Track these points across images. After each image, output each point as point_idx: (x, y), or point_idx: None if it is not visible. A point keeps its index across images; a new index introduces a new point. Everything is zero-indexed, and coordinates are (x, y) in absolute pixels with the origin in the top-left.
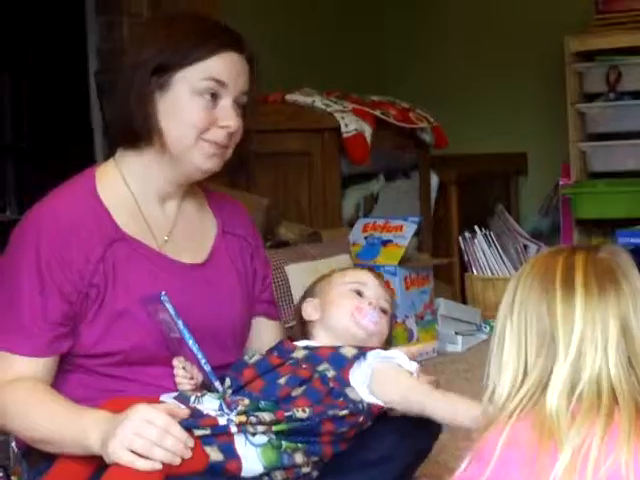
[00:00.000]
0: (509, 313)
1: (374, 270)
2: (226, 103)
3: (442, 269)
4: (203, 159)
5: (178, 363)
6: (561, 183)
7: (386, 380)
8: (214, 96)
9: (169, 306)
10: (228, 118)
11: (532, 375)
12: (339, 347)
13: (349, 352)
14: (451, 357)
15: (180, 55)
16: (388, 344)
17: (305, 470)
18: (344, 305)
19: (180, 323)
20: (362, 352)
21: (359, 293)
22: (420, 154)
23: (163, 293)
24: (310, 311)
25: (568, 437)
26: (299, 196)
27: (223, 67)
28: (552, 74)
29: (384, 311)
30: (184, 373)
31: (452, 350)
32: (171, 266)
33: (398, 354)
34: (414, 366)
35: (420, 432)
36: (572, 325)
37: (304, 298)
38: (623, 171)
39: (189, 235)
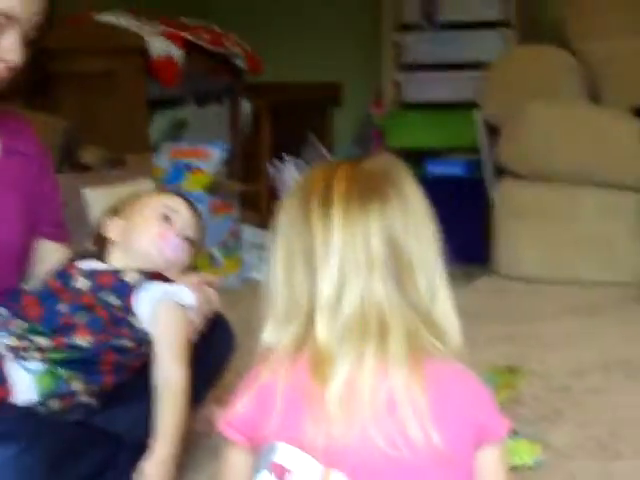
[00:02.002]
0: (275, 238)
1: (187, 197)
2: (13, 37)
3: (251, 197)
4: None
5: None
6: (374, 112)
7: (163, 326)
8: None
9: None
10: (12, 53)
11: (300, 303)
12: (120, 272)
13: (131, 278)
14: (256, 284)
15: None
16: (191, 270)
17: (84, 399)
18: (149, 229)
19: None
20: (145, 278)
21: (167, 219)
22: (233, 80)
23: None
24: (111, 229)
25: (337, 365)
26: (104, 119)
27: (16, 1)
28: (368, 3)
29: (189, 241)
30: None
31: (258, 277)
32: None
33: (182, 290)
34: (193, 300)
35: (210, 355)
36: (331, 242)
37: (108, 215)
38: (436, 102)
39: None
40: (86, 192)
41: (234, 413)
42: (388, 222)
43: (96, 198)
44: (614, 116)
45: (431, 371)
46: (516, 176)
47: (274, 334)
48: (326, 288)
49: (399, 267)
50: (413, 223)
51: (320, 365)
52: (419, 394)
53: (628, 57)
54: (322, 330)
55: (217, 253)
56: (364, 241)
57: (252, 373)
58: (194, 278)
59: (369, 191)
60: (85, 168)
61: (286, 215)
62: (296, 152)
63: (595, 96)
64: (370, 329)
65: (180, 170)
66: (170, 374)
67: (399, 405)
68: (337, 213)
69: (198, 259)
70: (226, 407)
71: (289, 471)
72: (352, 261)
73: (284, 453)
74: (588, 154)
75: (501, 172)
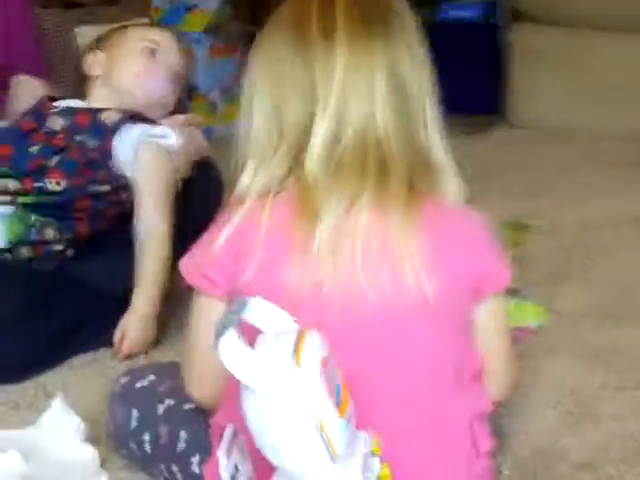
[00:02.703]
0: (260, 67)
1: (175, 32)
2: None
3: None
4: None
5: None
6: None
7: (145, 171)
8: None
9: None
10: None
11: (289, 137)
12: (99, 112)
13: (111, 118)
14: None
15: None
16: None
17: (57, 247)
18: (132, 63)
19: None
20: (126, 118)
21: (152, 53)
22: None
23: None
24: (92, 64)
25: (329, 205)
26: None
27: None
28: None
29: (176, 78)
30: None
31: None
32: None
33: (166, 132)
34: (178, 142)
35: (197, 204)
36: (332, 73)
37: (90, 49)
38: None
39: None
40: (78, 31)
41: (207, 260)
42: (392, 56)
43: (88, 37)
44: None
45: (431, 213)
46: (533, 20)
47: (254, 175)
48: (324, 120)
49: (401, 104)
50: (416, 60)
51: (309, 204)
52: (415, 238)
53: None
54: (314, 165)
55: (218, 99)
56: (368, 74)
57: (224, 214)
58: (179, 119)
59: (373, 19)
60: (76, 4)
61: (273, 42)
62: None
63: None
64: (369, 166)
65: (178, 10)
66: (152, 222)
67: (392, 250)
68: (340, 41)
69: (195, 104)
70: (196, 253)
71: (260, 331)
72: (354, 94)
73: (257, 309)
74: None
75: (518, 16)
